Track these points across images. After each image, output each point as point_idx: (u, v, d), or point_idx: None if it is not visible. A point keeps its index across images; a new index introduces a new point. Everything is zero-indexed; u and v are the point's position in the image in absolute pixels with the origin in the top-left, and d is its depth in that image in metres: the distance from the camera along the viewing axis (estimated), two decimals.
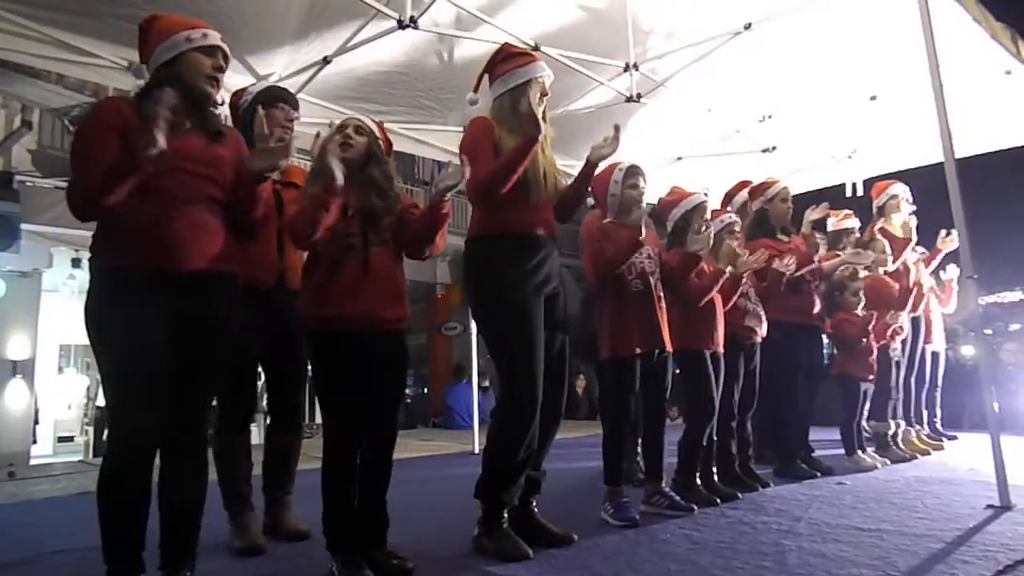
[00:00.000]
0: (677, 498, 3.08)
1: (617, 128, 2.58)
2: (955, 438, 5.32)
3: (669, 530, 2.79)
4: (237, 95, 2.87)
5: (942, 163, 3.24)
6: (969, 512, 2.95)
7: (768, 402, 3.84)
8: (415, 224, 2.35)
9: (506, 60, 2.61)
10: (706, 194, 3.45)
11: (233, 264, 2.05)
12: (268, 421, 2.85)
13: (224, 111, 2.26)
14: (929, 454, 4.64)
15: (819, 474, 3.90)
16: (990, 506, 3.00)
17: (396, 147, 4.98)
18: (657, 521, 2.93)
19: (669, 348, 3.05)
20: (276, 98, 2.79)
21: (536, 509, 2.65)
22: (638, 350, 2.95)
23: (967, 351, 7.75)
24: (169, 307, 1.89)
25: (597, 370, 3.65)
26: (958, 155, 3.25)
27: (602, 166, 2.69)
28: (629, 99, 4.67)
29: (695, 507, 3.06)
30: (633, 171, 3.04)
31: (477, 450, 5.53)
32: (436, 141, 5.15)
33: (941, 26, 3.31)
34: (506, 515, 2.49)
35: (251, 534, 2.63)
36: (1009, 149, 5.52)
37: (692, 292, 3.22)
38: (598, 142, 2.58)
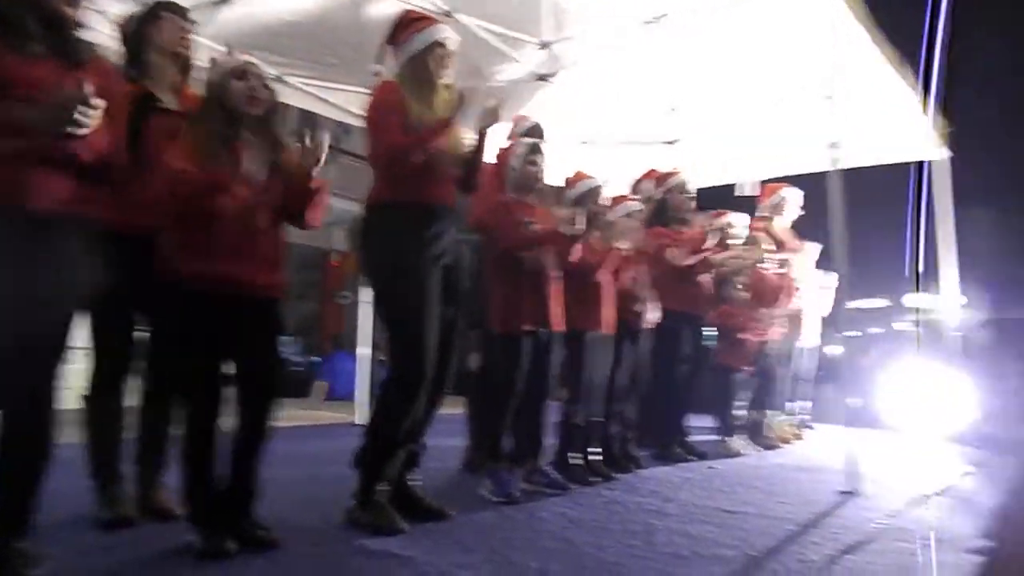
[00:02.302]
0: (556, 476, 3.12)
1: (494, 101, 2.57)
2: (812, 428, 5.70)
3: (546, 508, 2.83)
4: (126, 21, 2.55)
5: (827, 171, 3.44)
6: (823, 497, 3.17)
7: (650, 387, 3.96)
8: (290, 192, 2.21)
9: (407, 26, 2.54)
10: (607, 182, 3.50)
11: (89, 206, 1.85)
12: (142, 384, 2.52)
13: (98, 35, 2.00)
14: (791, 443, 4.96)
15: (693, 458, 4.08)
16: (841, 492, 3.23)
17: (295, 103, 4.81)
18: (535, 499, 2.97)
19: (558, 327, 3.08)
20: (164, 9, 2.48)
21: (414, 483, 2.62)
22: (527, 327, 2.96)
23: (832, 350, 8.30)
24: (23, 252, 1.69)
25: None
26: (845, 166, 3.45)
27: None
28: (541, 77, 4.65)
29: (572, 486, 3.12)
30: (535, 148, 3.03)
31: (359, 421, 5.42)
32: (339, 101, 4.95)
33: (846, 40, 3.48)
34: (383, 488, 2.44)
35: (119, 504, 2.38)
36: (891, 165, 5.88)
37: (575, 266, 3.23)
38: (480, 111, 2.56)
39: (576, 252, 3.09)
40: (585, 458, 3.40)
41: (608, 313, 3.39)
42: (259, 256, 2.13)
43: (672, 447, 4.09)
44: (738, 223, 4.73)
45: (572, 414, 3.33)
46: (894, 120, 5.05)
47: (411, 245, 2.42)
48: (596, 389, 3.39)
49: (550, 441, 3.28)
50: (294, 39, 4.15)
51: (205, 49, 3.90)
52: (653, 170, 4.39)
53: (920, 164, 5.62)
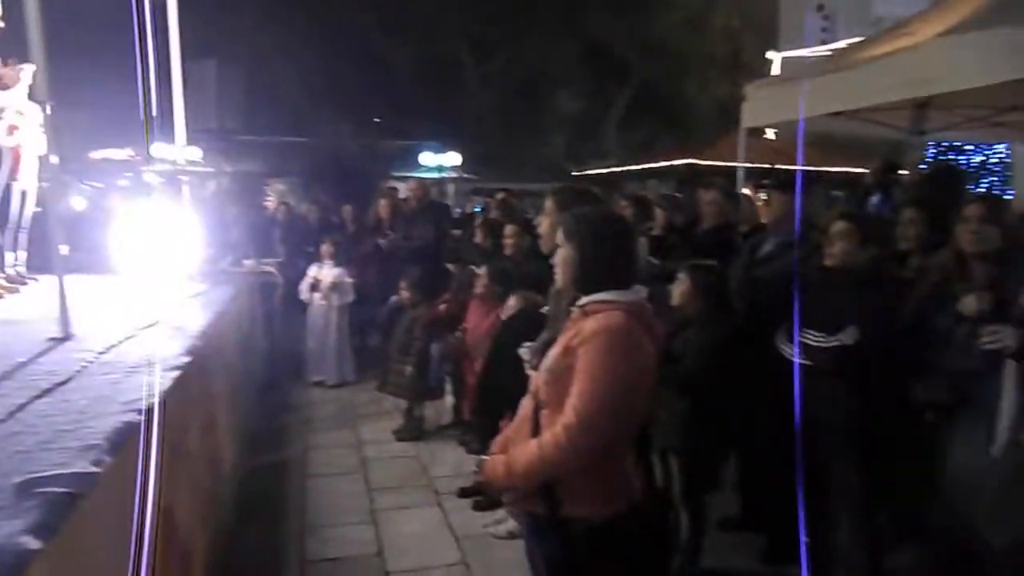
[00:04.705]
0: None
1: None
2: (36, 280, 5.19)
3: None
4: None
5: None
6: (28, 347, 2.94)
7: None
8: None
9: None
10: None
11: None
12: None
13: None
14: (3, 297, 4.39)
15: None
16: (51, 339, 3.05)
17: None
18: None
19: None
20: None
21: None
22: None
23: (72, 201, 7.68)
24: None
25: None
26: None
27: None
28: None
29: None
30: None
31: None
32: None
33: None
34: None
35: None
36: None
37: None
38: None
39: None
40: None
41: None
42: None
43: None
44: None
45: None
46: None
47: None
48: None
49: None
50: None
51: None
52: None
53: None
